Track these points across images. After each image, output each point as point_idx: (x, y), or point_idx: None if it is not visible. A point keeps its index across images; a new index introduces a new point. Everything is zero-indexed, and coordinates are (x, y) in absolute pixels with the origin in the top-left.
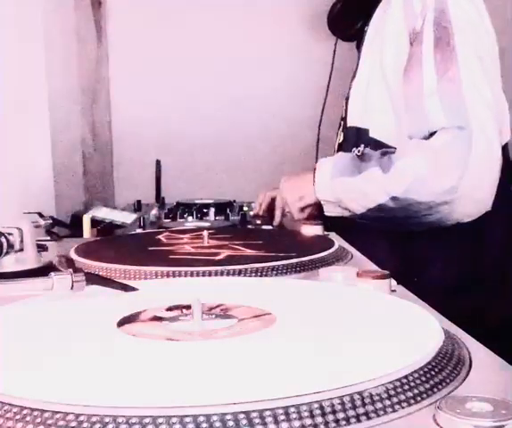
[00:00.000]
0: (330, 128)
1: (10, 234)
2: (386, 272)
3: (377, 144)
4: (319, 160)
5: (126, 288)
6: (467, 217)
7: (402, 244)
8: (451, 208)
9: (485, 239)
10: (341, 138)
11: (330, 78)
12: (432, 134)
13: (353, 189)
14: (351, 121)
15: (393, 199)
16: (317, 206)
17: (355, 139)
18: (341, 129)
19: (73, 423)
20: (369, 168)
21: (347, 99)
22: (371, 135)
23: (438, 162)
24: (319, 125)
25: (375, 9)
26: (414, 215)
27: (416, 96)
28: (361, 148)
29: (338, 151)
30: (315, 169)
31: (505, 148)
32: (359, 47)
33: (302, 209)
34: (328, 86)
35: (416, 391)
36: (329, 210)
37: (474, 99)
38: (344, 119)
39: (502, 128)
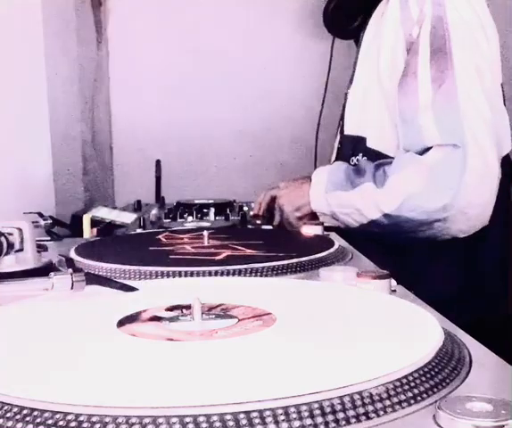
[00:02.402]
0: (329, 127)
1: (10, 234)
2: (386, 272)
3: (375, 154)
4: (315, 171)
5: (126, 288)
6: (463, 233)
7: (399, 257)
8: (445, 225)
9: (483, 249)
10: (339, 141)
11: (328, 76)
12: (427, 148)
13: (347, 204)
14: (348, 129)
15: (386, 216)
16: (315, 215)
17: (352, 147)
18: (339, 130)
19: (73, 423)
20: (363, 183)
21: (346, 97)
22: (368, 144)
23: (431, 180)
24: (318, 124)
25: (371, 5)
26: (407, 231)
27: (411, 109)
28: (359, 157)
29: (337, 155)
30: (311, 180)
31: (507, 158)
32: (357, 43)
33: (300, 218)
34: (326, 85)
35: (416, 391)
36: (325, 221)
37: (470, 114)
38: (343, 119)
39: (502, 140)
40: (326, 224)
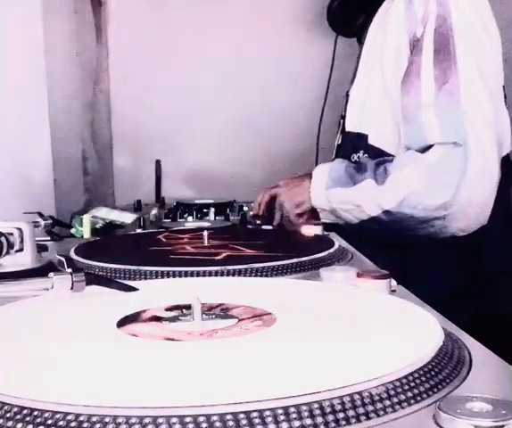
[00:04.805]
0: (330, 126)
1: (10, 234)
2: (386, 272)
3: (376, 151)
4: (316, 168)
5: (126, 288)
6: (462, 231)
7: (399, 256)
8: (445, 222)
9: (483, 250)
10: (339, 139)
11: (330, 75)
12: (428, 146)
13: (347, 201)
14: (350, 126)
15: (386, 213)
16: (315, 212)
17: (354, 144)
18: (340, 128)
19: (73, 424)
20: (363, 180)
21: (347, 96)
22: (370, 141)
23: (432, 178)
24: (320, 123)
25: (375, 3)
26: (407, 228)
27: (413, 107)
28: (360, 154)
29: (337, 152)
30: (311, 176)
31: (507, 158)
32: (360, 41)
33: (300, 215)
34: (329, 84)
35: (416, 391)
36: (325, 217)
37: (473, 113)
38: (344, 117)
39: (503, 140)
40: (325, 220)
